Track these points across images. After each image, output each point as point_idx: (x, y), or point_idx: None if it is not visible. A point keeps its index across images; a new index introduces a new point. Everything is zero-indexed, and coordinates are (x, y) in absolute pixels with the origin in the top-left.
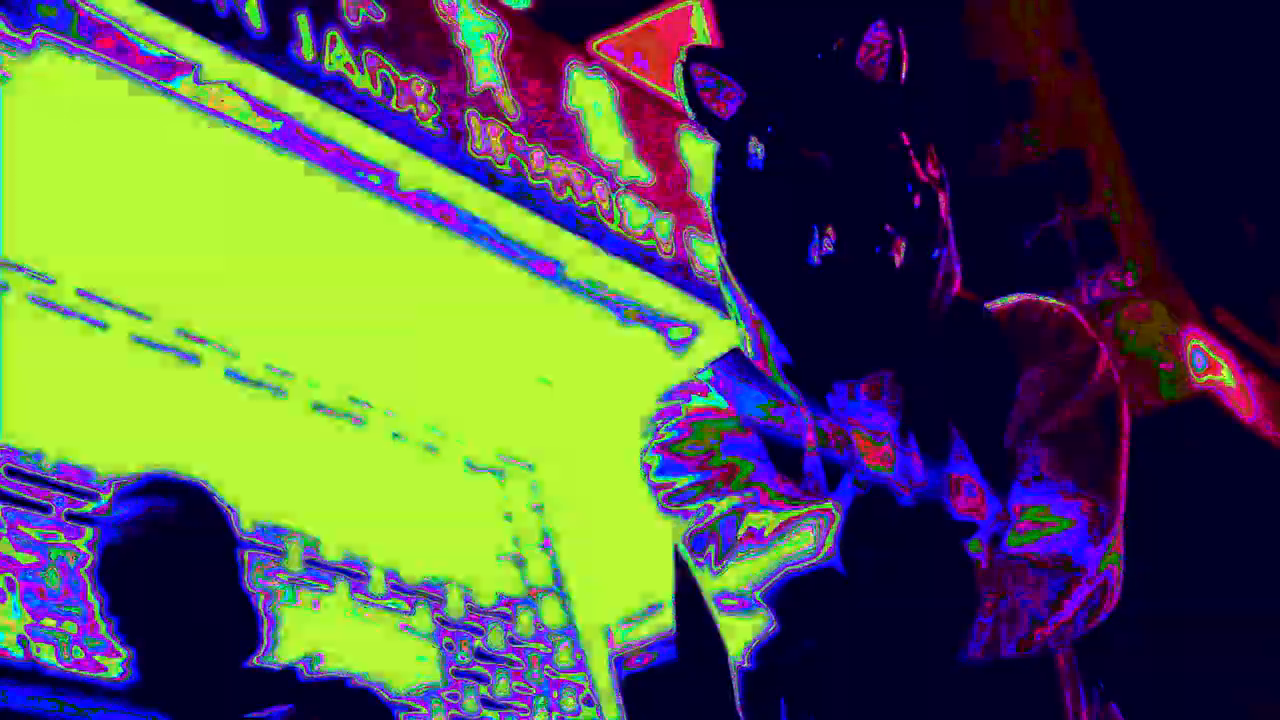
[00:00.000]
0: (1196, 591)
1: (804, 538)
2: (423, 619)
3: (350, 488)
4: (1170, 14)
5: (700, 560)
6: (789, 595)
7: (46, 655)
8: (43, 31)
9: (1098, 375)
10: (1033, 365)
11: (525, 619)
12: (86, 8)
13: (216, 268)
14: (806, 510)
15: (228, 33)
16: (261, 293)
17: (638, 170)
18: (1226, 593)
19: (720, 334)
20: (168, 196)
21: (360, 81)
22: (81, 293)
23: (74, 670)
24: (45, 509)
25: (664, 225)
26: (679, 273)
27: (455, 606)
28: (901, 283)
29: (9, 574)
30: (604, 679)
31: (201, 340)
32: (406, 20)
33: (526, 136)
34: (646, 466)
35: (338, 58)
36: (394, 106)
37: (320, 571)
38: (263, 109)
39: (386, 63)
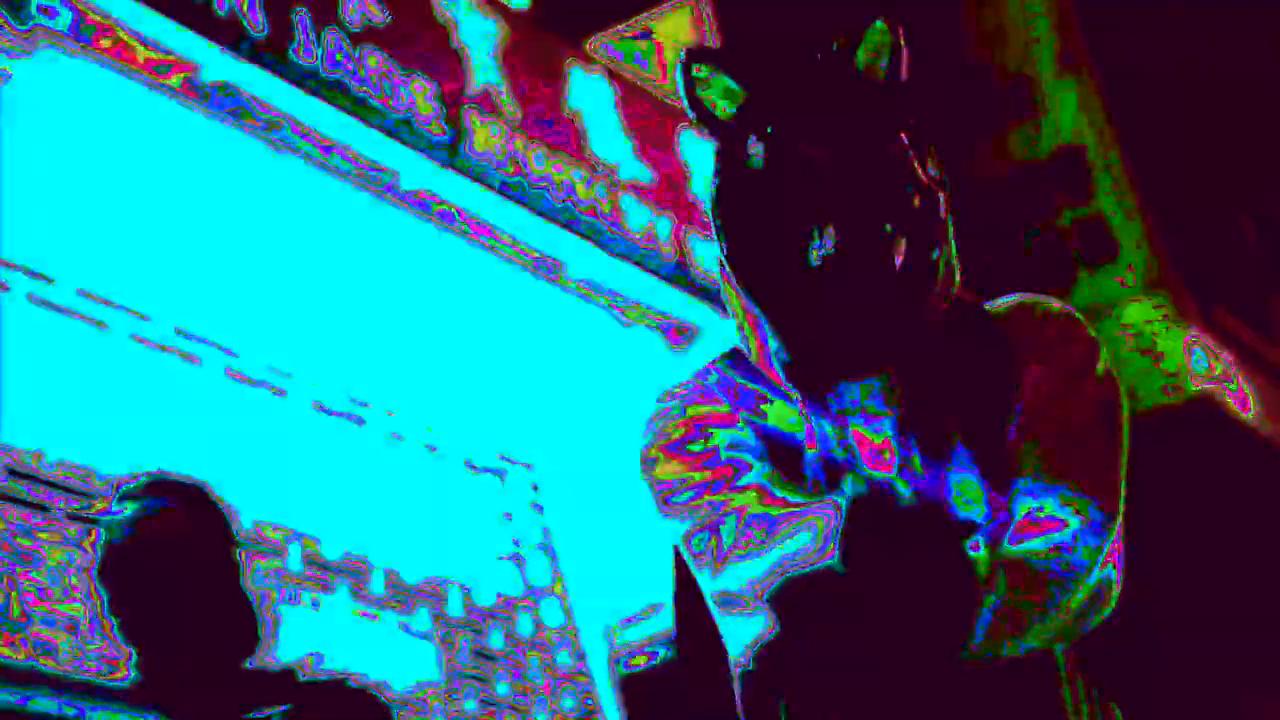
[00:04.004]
0: (1196, 592)
1: (804, 538)
2: (423, 619)
3: (350, 488)
4: (1170, 13)
5: (700, 560)
6: (789, 595)
7: (46, 655)
8: (43, 31)
9: (1098, 375)
10: (1033, 365)
11: (525, 619)
12: (86, 8)
13: (217, 268)
14: (806, 510)
15: (228, 33)
16: (261, 293)
17: (638, 170)
18: (1226, 593)
19: (720, 334)
20: (168, 196)
21: (360, 81)
22: (81, 293)
23: (74, 670)
24: (45, 509)
25: (664, 225)
26: (679, 273)
27: (455, 606)
28: (901, 283)
29: (9, 574)
30: (604, 679)
31: (201, 340)
32: (406, 20)
33: (526, 136)
34: (646, 466)
35: (338, 58)
36: (394, 106)
37: (320, 571)
38: (263, 109)
39: (386, 63)
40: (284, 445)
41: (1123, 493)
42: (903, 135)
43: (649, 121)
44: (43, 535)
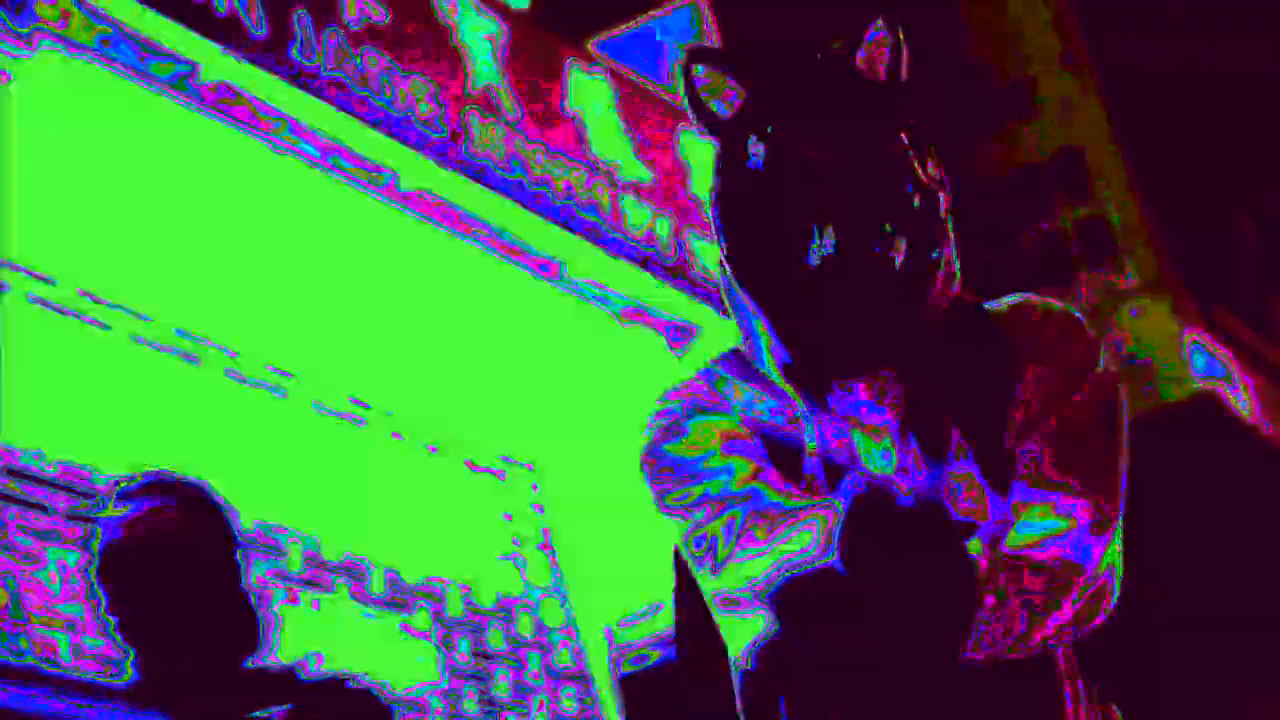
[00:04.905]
0: (1196, 592)
1: (804, 538)
2: (423, 619)
3: (350, 488)
4: (1170, 13)
5: (700, 560)
6: (789, 595)
7: (46, 655)
8: (43, 31)
9: (1098, 375)
10: (1033, 365)
11: (525, 619)
12: (86, 8)
13: (216, 268)
14: (806, 510)
15: (228, 33)
16: (261, 293)
17: (638, 170)
18: (1226, 593)
19: (720, 334)
20: (168, 196)
21: (360, 81)
22: (81, 293)
23: (74, 670)
24: (45, 509)
25: (664, 225)
26: (679, 273)
27: (455, 606)
28: (901, 283)
29: (9, 574)
30: (604, 679)
31: (201, 340)
32: (406, 20)
33: (526, 136)
34: (646, 466)
35: (338, 58)
36: (394, 106)
37: (320, 571)
38: (263, 109)
39: (386, 63)
40: (284, 445)
41: (1123, 492)
42: (903, 135)
43: (649, 121)
44: (43, 535)
